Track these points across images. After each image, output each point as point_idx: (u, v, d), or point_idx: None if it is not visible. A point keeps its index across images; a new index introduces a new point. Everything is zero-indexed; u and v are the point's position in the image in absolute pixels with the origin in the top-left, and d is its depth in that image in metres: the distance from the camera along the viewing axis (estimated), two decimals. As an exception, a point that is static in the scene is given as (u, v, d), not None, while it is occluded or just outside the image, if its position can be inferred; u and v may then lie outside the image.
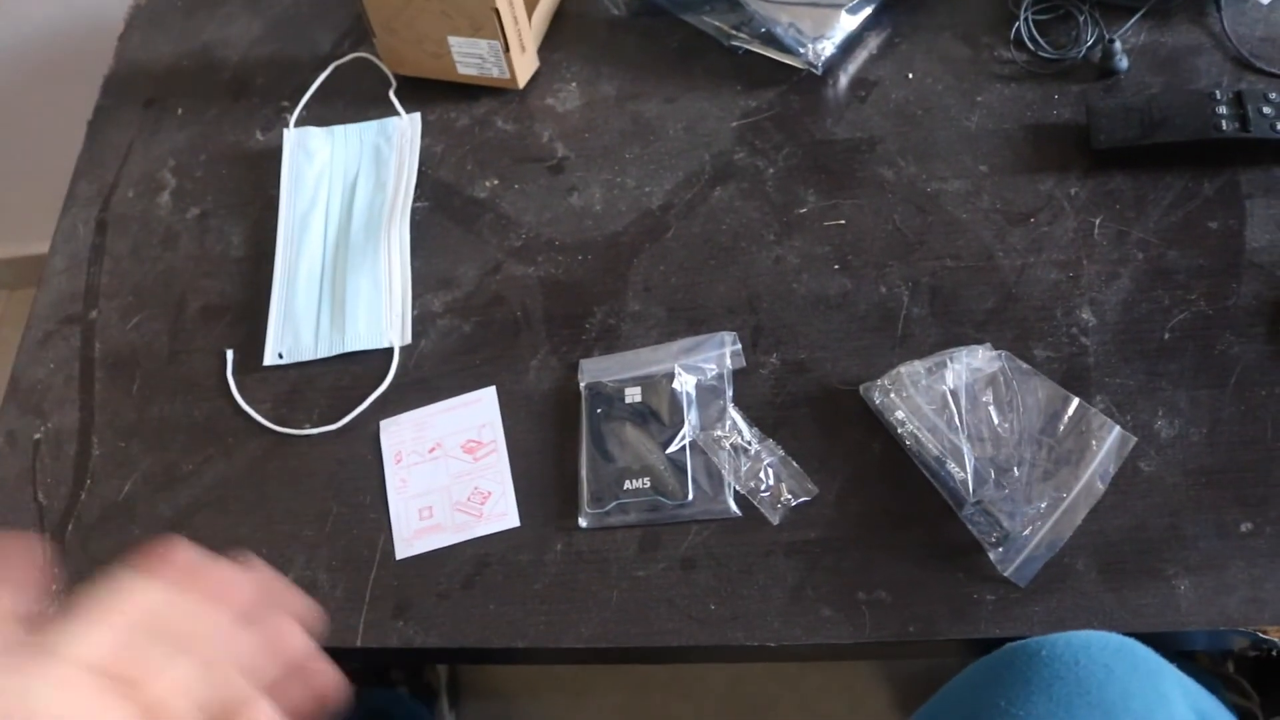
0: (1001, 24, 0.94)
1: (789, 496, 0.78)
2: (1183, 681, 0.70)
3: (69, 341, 0.96)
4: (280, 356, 0.91)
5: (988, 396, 0.77)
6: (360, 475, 0.85)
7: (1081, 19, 0.90)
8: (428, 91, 1.01)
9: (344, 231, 0.95)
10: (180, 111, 1.07)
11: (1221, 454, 0.74)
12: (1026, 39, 0.91)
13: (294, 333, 0.91)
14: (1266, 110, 0.81)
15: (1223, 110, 0.82)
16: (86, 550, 0.86)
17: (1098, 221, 0.84)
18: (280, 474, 0.87)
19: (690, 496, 0.79)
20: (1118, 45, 0.88)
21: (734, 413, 0.81)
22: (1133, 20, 0.90)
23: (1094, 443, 0.74)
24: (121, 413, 0.92)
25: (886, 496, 0.77)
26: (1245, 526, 0.72)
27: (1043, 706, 0.67)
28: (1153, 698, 0.67)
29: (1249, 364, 0.77)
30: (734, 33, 0.96)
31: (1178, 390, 0.77)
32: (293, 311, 0.92)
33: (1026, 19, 0.91)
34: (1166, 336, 0.79)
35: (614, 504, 0.80)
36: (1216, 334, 0.78)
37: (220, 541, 0.84)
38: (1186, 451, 0.75)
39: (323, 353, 0.90)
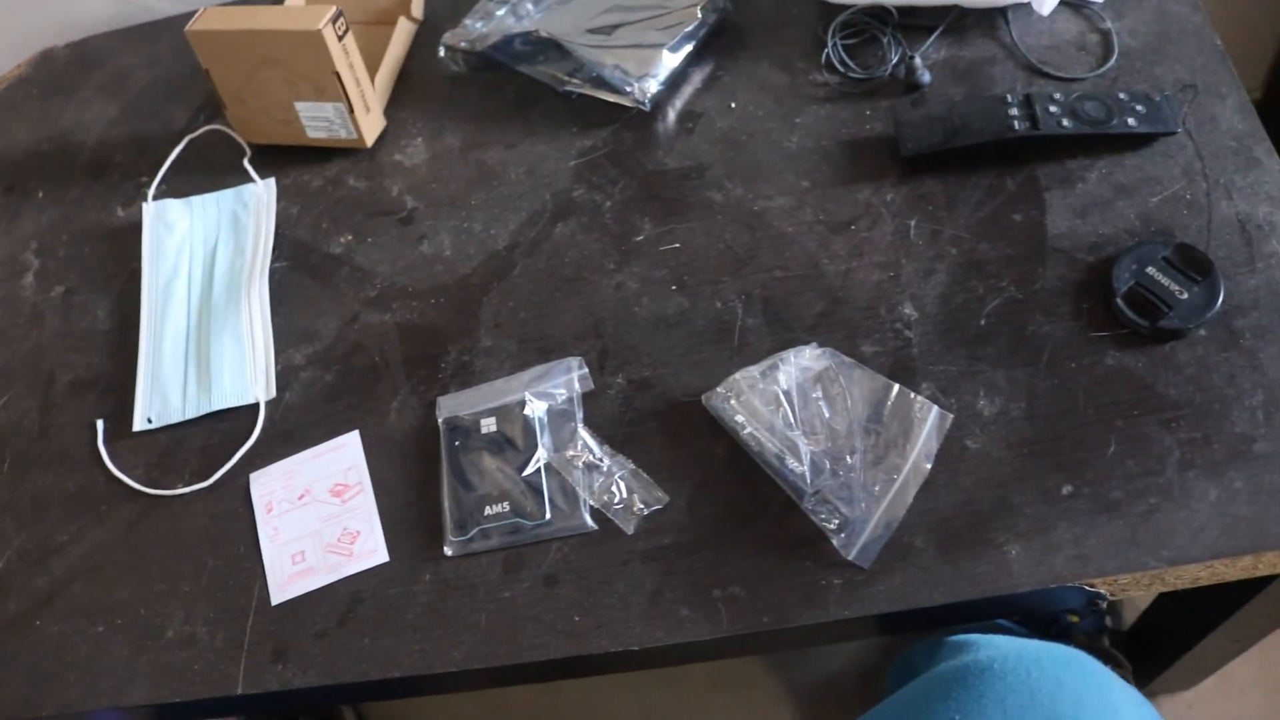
0: (813, 50, 1.00)
1: (641, 506, 0.81)
2: (1128, 691, 0.74)
3: (-62, 425, 0.97)
4: (150, 421, 0.93)
5: (817, 392, 0.81)
6: (233, 528, 0.87)
7: (885, 40, 0.97)
8: (281, 156, 1.05)
9: (206, 296, 0.98)
10: (40, 194, 1.10)
11: (1040, 426, 0.79)
12: (837, 62, 0.97)
13: (162, 397, 0.94)
14: (1053, 109, 0.88)
15: (1015, 112, 0.88)
16: (-37, 630, 0.87)
17: (913, 223, 0.89)
18: (155, 535, 0.88)
19: (548, 515, 0.82)
20: (919, 61, 0.94)
21: (584, 433, 0.85)
22: (932, 38, 0.97)
23: (916, 425, 0.78)
24: (-7, 492, 0.93)
25: (733, 497, 0.81)
26: (1066, 489, 0.77)
27: (997, 719, 0.70)
28: (1102, 708, 0.71)
29: (1059, 341, 0.82)
30: (567, 79, 1.01)
31: (996, 371, 0.82)
32: (159, 376, 0.94)
33: (835, 44, 0.97)
34: (983, 323, 0.84)
35: (476, 530, 0.83)
36: (1028, 316, 0.84)
37: (98, 606, 0.86)
38: (1008, 427, 0.80)
39: (190, 414, 0.92)
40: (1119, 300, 0.81)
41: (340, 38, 0.94)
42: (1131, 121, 0.87)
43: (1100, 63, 0.94)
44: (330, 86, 0.97)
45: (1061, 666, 0.73)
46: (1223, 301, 0.79)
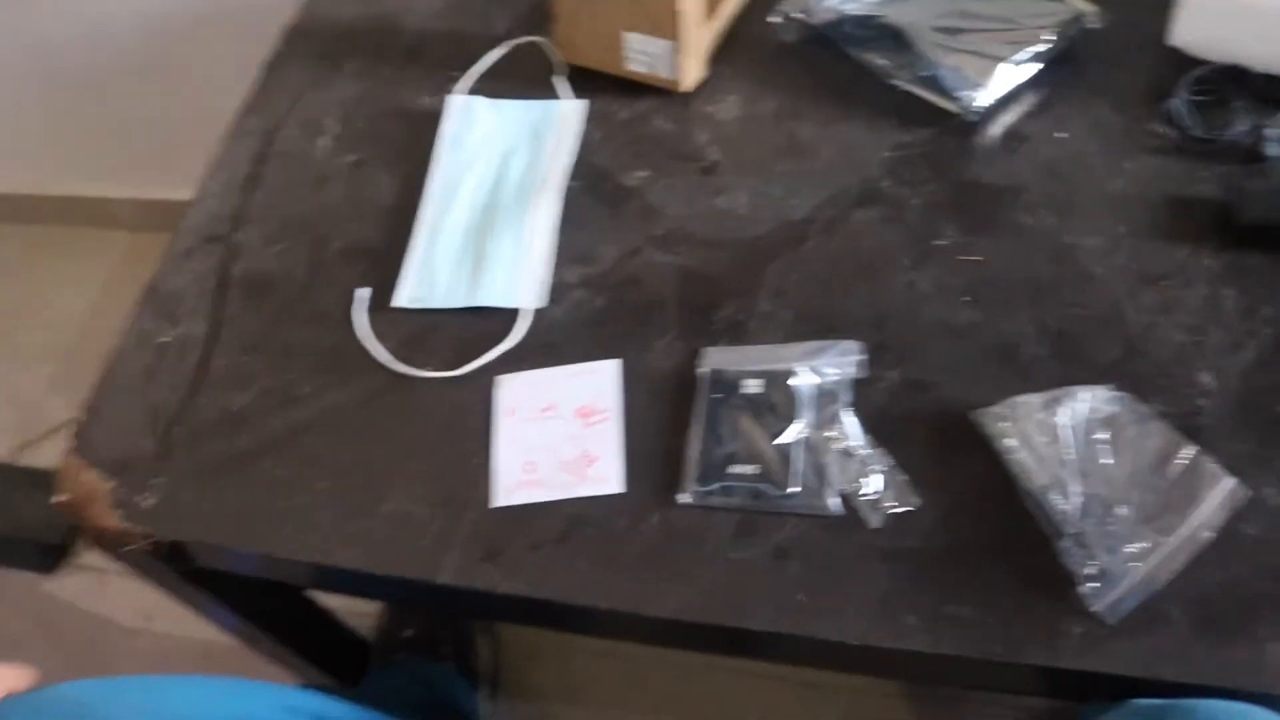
0: (1155, 99, 0.97)
1: (891, 503, 0.79)
2: None
3: (211, 258, 1.00)
4: (414, 301, 0.94)
5: (1102, 435, 0.78)
6: (470, 422, 0.88)
7: (1237, 105, 0.93)
8: (593, 81, 1.06)
9: (494, 195, 0.99)
10: (353, 67, 1.12)
11: (1327, 530, 0.75)
12: (1180, 116, 0.94)
13: (430, 279, 0.95)
14: None
15: (1367, 207, 0.84)
16: (193, 451, 0.89)
17: (1230, 294, 0.86)
18: (394, 410, 0.89)
19: (795, 488, 0.81)
20: (1271, 133, 0.90)
21: (848, 417, 0.83)
22: (1286, 115, 0.93)
23: (1204, 492, 0.75)
24: (249, 330, 0.95)
25: (986, 519, 0.78)
26: (1344, 602, 0.73)
27: None
28: None
29: (1363, 449, 0.78)
30: (896, 72, 1.00)
31: (1289, 464, 0.78)
32: (432, 260, 0.96)
33: (1183, 98, 0.94)
34: (1284, 412, 0.80)
35: (718, 485, 0.82)
36: (1334, 416, 0.80)
37: (324, 463, 0.88)
38: (1293, 523, 0.76)
39: (455, 303, 0.93)
40: None
41: (692, -22, 0.95)
42: None
43: None
44: (668, 23, 0.97)
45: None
46: None
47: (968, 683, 1.00)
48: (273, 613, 1.16)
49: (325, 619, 1.34)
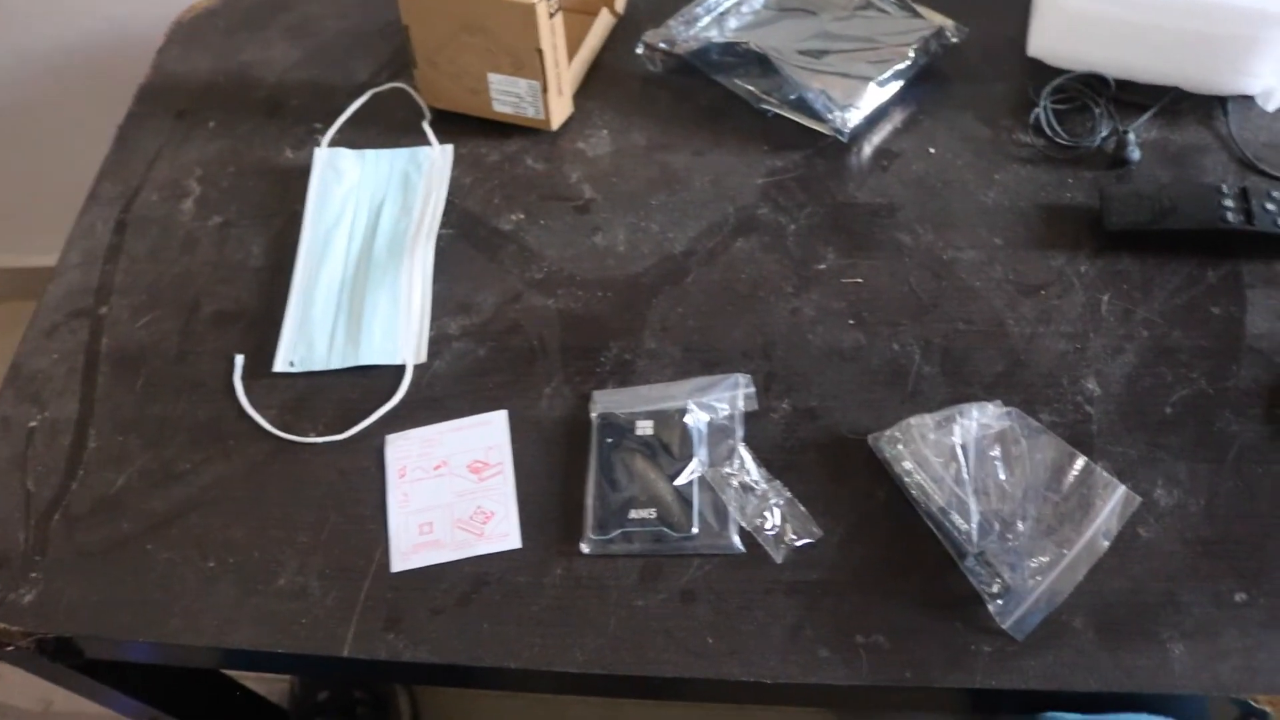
0: (1021, 110, 0.99)
1: (793, 536, 0.79)
2: None
3: (76, 334, 0.96)
4: (291, 365, 0.91)
5: (995, 451, 0.78)
6: (361, 487, 0.85)
7: (1098, 111, 0.95)
8: (460, 125, 1.04)
9: (367, 250, 0.96)
10: (212, 124, 1.09)
11: (1218, 525, 0.76)
12: (1045, 126, 0.96)
13: (308, 342, 0.92)
14: (1270, 207, 0.86)
15: (1229, 204, 0.86)
16: (71, 540, 0.85)
17: (1105, 298, 0.87)
18: (280, 480, 0.86)
19: (696, 529, 0.79)
20: (1132, 137, 0.92)
21: (744, 451, 0.82)
22: (1146, 116, 0.95)
23: (1098, 501, 0.76)
24: (122, 408, 0.91)
25: (889, 544, 0.78)
26: (1240, 597, 0.74)
27: None
28: None
29: (1247, 442, 0.80)
30: (764, 96, 1.00)
31: (1177, 462, 0.79)
32: (308, 321, 0.93)
33: (1046, 107, 0.96)
34: (1168, 411, 0.81)
35: (618, 532, 0.80)
36: (1216, 412, 0.81)
37: (212, 541, 0.84)
38: (1184, 521, 0.77)
39: (335, 364, 0.91)
40: (1317, 413, 0.79)
41: (551, 15, 0.93)
42: (1349, 233, 0.85)
43: (1319, 168, 0.92)
44: (530, 63, 0.95)
45: None
46: None
47: (883, 706, 1.00)
48: (179, 693, 1.12)
49: (236, 691, 1.29)
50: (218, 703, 1.25)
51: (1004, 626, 0.73)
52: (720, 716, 1.38)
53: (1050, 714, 0.84)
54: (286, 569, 0.82)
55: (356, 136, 1.05)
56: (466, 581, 0.80)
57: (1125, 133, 0.92)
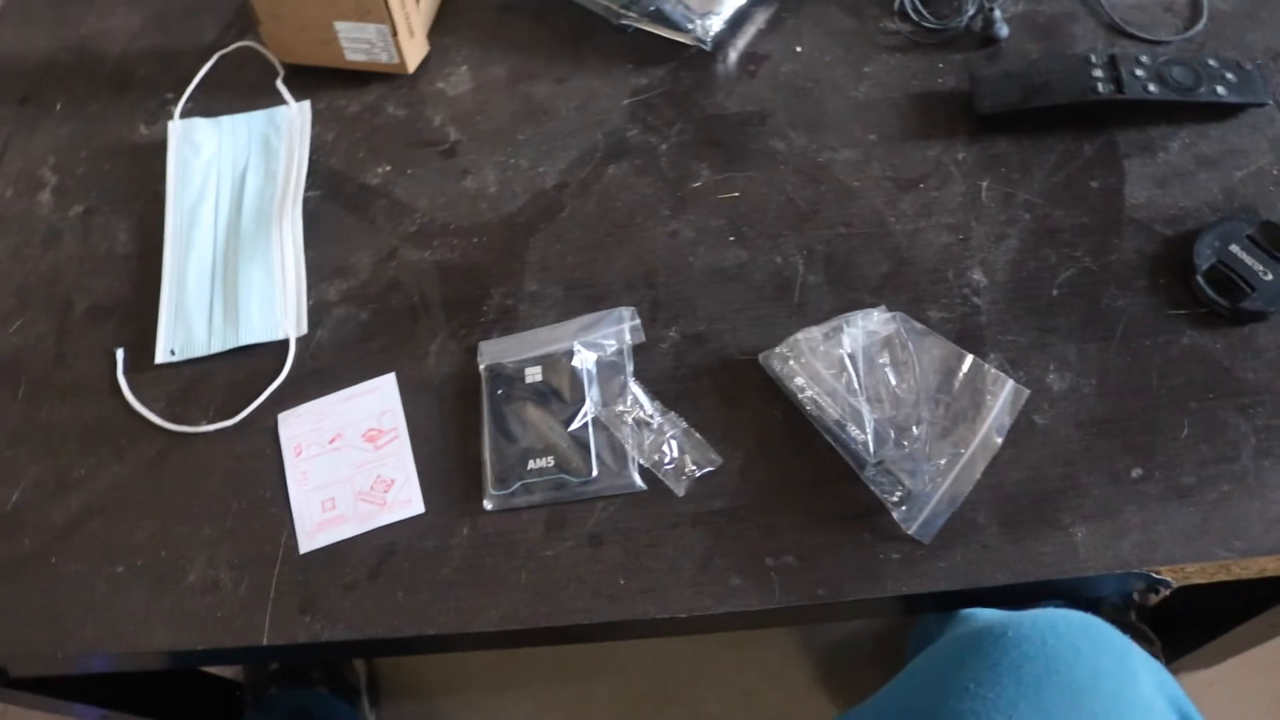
0: (884, -5, 0.96)
1: (693, 468, 0.78)
2: (1147, 661, 0.71)
3: (-54, 348, 0.93)
4: (173, 354, 0.88)
5: (884, 358, 0.77)
6: (260, 470, 0.83)
7: (962, -12, 0.92)
8: (316, 79, 1.00)
9: (234, 223, 0.93)
10: (59, 107, 1.04)
11: (1111, 404, 0.76)
12: (910, 9, 0.93)
13: (186, 329, 0.89)
14: (1139, 73, 0.84)
15: (1098, 74, 0.84)
16: (-26, 564, 0.83)
17: (985, 185, 0.86)
18: (177, 474, 0.84)
19: (595, 473, 0.79)
20: (997, 13, 0.90)
21: (635, 387, 0.81)
22: (1011, -11, 0.93)
23: (989, 398, 0.75)
24: (6, 420, 0.88)
25: (790, 463, 0.78)
26: (1136, 473, 0.74)
27: (1012, 689, 0.67)
28: (1122, 676, 0.68)
29: (1133, 316, 0.79)
30: (623, 11, 0.96)
31: (1067, 344, 0.79)
32: (184, 307, 0.90)
33: (908, -11, 0.93)
34: (1055, 293, 0.81)
35: (518, 484, 0.79)
36: (1102, 289, 0.81)
37: (116, 546, 0.82)
38: (1078, 403, 0.77)
39: (216, 348, 0.88)
40: (1199, 278, 0.78)
41: (388, -45, 0.89)
42: (1220, 90, 0.83)
43: (1188, 25, 0.90)
44: (374, 6, 0.91)
45: (1077, 633, 0.70)
46: (1311, 285, 0.77)
47: (805, 623, 1.01)
48: (127, 689, 1.11)
49: (186, 675, 1.29)
50: (168, 690, 1.25)
51: (910, 532, 0.73)
52: (662, 661, 1.40)
53: (966, 610, 0.85)
54: (195, 564, 0.81)
55: (211, 103, 1.01)
56: (375, 554, 0.79)
57: (991, 9, 0.90)
